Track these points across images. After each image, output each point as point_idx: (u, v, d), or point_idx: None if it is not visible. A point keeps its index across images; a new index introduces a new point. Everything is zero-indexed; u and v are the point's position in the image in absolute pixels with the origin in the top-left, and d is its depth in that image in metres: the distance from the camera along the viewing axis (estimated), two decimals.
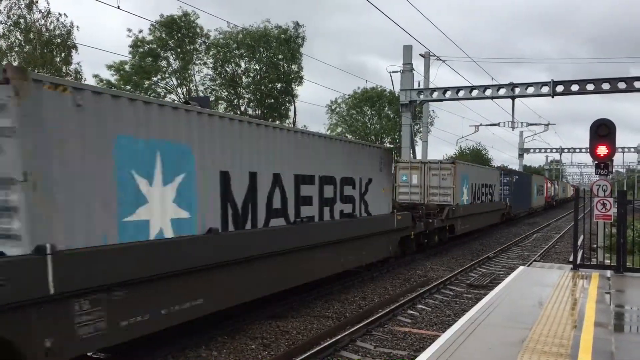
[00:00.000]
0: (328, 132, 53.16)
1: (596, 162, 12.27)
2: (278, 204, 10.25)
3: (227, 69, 45.28)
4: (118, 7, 14.92)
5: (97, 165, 6.52)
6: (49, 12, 30.78)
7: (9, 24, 29.47)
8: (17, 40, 30.43)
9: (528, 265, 14.33)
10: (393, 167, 18.39)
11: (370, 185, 14.14)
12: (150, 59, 41.72)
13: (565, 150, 66.40)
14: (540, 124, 42.22)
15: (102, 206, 6.57)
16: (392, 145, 47.30)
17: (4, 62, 28.94)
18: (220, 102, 45.18)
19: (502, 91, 23.41)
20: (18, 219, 5.69)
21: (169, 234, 7.58)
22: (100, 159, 6.56)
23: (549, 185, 54.70)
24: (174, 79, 44.18)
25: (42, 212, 5.85)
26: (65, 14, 38.60)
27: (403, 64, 24.68)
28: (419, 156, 28.34)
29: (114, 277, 6.52)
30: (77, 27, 32.10)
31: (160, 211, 7.44)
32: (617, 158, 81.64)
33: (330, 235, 11.97)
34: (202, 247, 8.04)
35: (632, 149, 64.12)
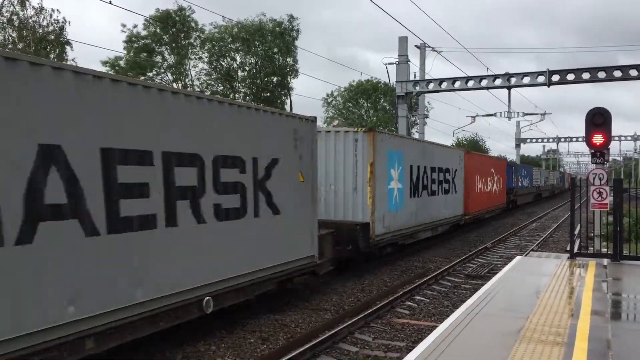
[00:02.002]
0: (325, 125, 53.02)
1: (592, 150, 12.28)
2: None
3: (223, 63, 45.12)
4: (110, 3, 14.82)
5: None
6: (42, 9, 30.63)
7: (2, 21, 29.29)
8: (10, 37, 30.28)
9: (525, 255, 14.36)
10: None
11: None
12: (145, 54, 41.55)
13: (562, 140, 66.45)
14: (536, 114, 42.27)
15: None
16: None
17: None
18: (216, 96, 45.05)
19: (498, 81, 23.38)
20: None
21: None
22: None
23: (569, 177, 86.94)
24: (169, 74, 44.03)
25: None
26: (58, 10, 38.37)
27: (398, 55, 24.60)
28: None
29: None
30: (69, 22, 31.95)
31: None
32: (614, 146, 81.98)
33: None
34: None
35: (629, 137, 64.16)
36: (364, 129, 14.35)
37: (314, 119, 11.37)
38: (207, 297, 8.16)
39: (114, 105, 6.66)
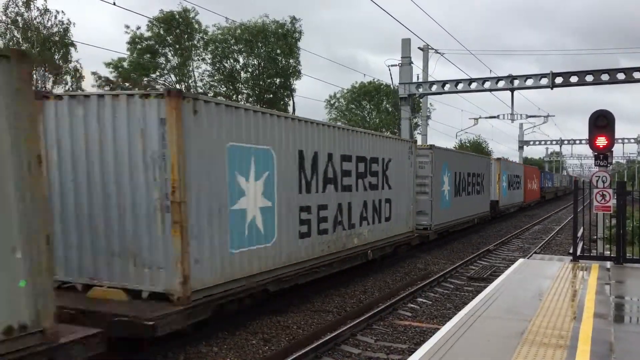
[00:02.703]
0: None
1: (595, 153, 12.25)
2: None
3: (226, 65, 45.20)
4: (114, 4, 14.87)
5: None
6: (46, 10, 30.73)
7: (7, 22, 29.39)
8: (15, 38, 30.38)
9: (528, 258, 14.34)
10: None
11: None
12: (148, 55, 41.65)
13: (565, 142, 66.25)
14: (539, 116, 42.15)
15: None
16: None
17: None
18: (219, 98, 45.11)
19: (501, 83, 23.35)
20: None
21: None
22: None
23: (575, 179, 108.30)
24: (172, 76, 44.13)
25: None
26: (62, 12, 38.49)
27: (401, 57, 24.58)
28: None
29: None
30: (74, 24, 32.05)
31: None
32: (617, 149, 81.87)
33: None
34: None
35: (632, 140, 63.99)
36: (495, 158, 32.40)
37: (495, 158, 32.67)
38: (476, 218, 25.00)
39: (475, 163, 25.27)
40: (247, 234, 9.08)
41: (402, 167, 15.81)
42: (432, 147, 19.01)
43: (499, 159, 31.48)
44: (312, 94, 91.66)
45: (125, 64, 41.12)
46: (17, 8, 29.67)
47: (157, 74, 43.33)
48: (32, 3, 29.98)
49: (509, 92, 24.33)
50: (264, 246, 9.56)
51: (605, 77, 21.31)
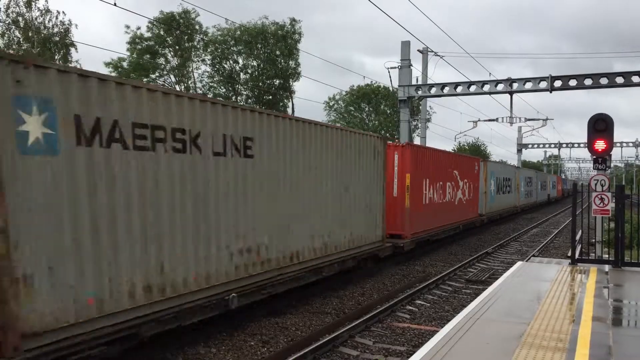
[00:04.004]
0: None
1: (594, 156, 12.28)
2: None
3: (225, 66, 45.20)
4: (115, 4, 14.88)
5: None
6: (47, 10, 30.73)
7: (7, 22, 29.38)
8: (15, 38, 30.36)
9: (526, 261, 14.35)
10: None
11: None
12: (148, 55, 41.64)
13: (564, 146, 66.28)
14: (538, 119, 42.14)
15: None
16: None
17: None
18: (218, 99, 45.09)
19: (500, 86, 23.38)
20: None
21: None
22: None
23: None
24: (172, 76, 44.12)
25: None
26: (63, 12, 38.49)
27: (401, 59, 24.60)
28: None
29: None
30: (76, 25, 32.07)
31: None
32: (615, 152, 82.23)
33: None
34: None
35: (630, 144, 64.09)
36: (553, 173, 77.47)
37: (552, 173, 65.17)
38: (544, 201, 53.46)
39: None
40: None
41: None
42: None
43: (554, 173, 60.72)
44: (307, 95, 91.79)
45: (125, 64, 41.12)
46: (18, 8, 29.66)
47: (157, 74, 43.32)
48: (33, 3, 29.98)
49: (507, 95, 24.35)
50: None
51: (604, 80, 21.34)
